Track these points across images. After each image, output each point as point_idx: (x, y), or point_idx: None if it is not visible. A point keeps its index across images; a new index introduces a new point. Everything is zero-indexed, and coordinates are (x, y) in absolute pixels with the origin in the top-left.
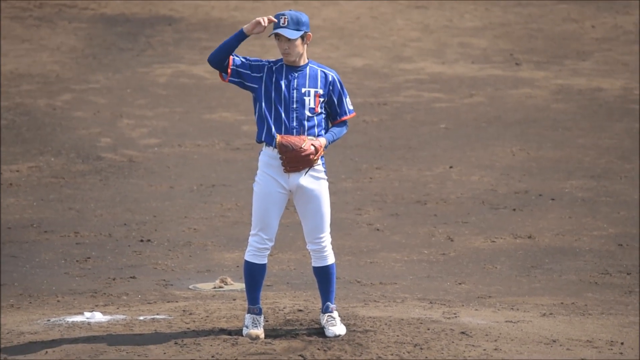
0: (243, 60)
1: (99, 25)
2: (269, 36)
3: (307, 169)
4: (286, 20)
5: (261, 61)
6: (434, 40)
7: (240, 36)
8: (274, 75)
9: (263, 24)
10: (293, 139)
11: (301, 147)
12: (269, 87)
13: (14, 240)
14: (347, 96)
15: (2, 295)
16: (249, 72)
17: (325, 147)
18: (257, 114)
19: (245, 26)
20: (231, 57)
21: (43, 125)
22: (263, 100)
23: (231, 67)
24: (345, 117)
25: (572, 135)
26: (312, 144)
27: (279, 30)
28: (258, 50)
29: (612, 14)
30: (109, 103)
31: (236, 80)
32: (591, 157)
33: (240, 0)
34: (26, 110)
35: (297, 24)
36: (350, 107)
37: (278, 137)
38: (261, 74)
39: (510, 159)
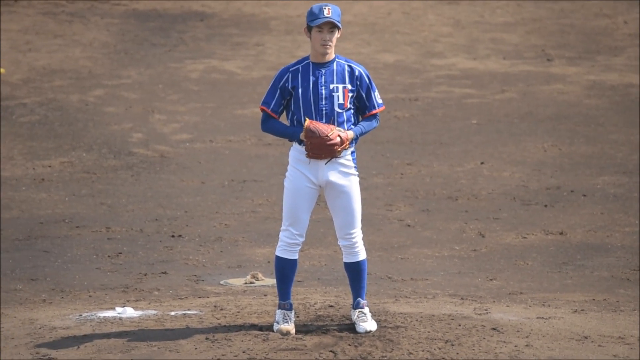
0: (278, 103)
1: (131, 21)
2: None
3: (329, 159)
4: (330, 10)
5: (282, 78)
6: (466, 36)
7: (295, 139)
8: (300, 76)
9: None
10: (321, 126)
11: (327, 135)
12: (297, 88)
13: (46, 235)
14: (376, 90)
15: (34, 290)
16: (285, 100)
17: (354, 140)
18: (288, 111)
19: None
20: (272, 112)
21: (75, 120)
22: (292, 100)
23: (276, 115)
24: (374, 111)
25: (605, 131)
26: (338, 135)
27: (329, 18)
28: (289, 46)
29: None
30: (141, 98)
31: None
32: (623, 153)
33: None
34: (59, 106)
35: (338, 15)
36: (380, 101)
37: (307, 122)
38: (287, 85)
39: (541, 154)
